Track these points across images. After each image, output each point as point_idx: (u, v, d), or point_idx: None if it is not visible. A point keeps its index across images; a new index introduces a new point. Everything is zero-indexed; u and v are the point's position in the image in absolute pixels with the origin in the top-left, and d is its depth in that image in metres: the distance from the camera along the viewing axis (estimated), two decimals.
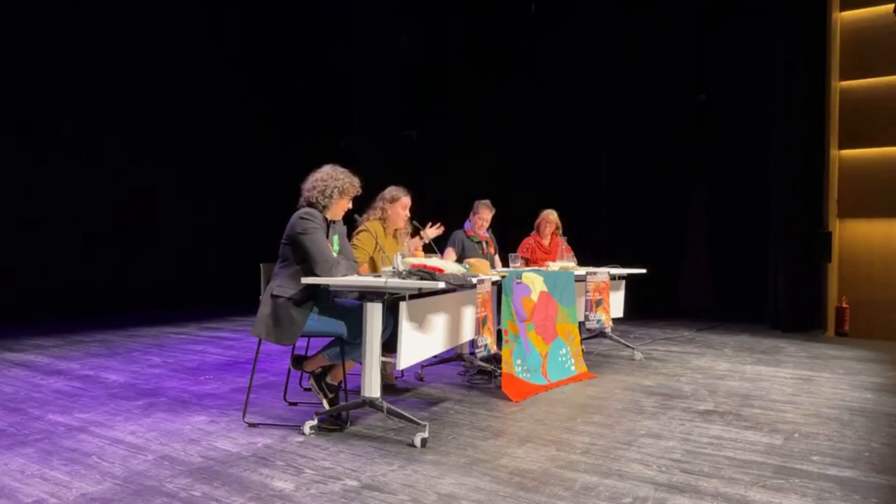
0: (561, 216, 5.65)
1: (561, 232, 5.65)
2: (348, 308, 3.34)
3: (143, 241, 9.08)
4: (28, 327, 6.95)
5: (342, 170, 3.42)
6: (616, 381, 4.44)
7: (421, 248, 4.22)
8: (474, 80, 9.64)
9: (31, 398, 3.87)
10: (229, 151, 10.12)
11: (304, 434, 3.14)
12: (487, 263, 4.23)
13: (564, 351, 4.53)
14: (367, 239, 4.03)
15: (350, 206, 3.49)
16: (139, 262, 9.04)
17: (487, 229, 5.27)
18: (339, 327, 3.29)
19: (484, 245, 5.19)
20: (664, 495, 2.42)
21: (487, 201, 5.20)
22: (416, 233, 4.31)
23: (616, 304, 5.51)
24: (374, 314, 3.06)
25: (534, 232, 5.66)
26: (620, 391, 4.15)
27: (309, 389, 3.68)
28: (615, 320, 5.44)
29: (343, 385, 3.55)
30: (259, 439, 3.07)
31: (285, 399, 3.81)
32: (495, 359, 4.33)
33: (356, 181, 3.45)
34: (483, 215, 5.14)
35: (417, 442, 2.97)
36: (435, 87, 10.11)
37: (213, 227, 9.97)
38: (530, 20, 9.33)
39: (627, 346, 5.52)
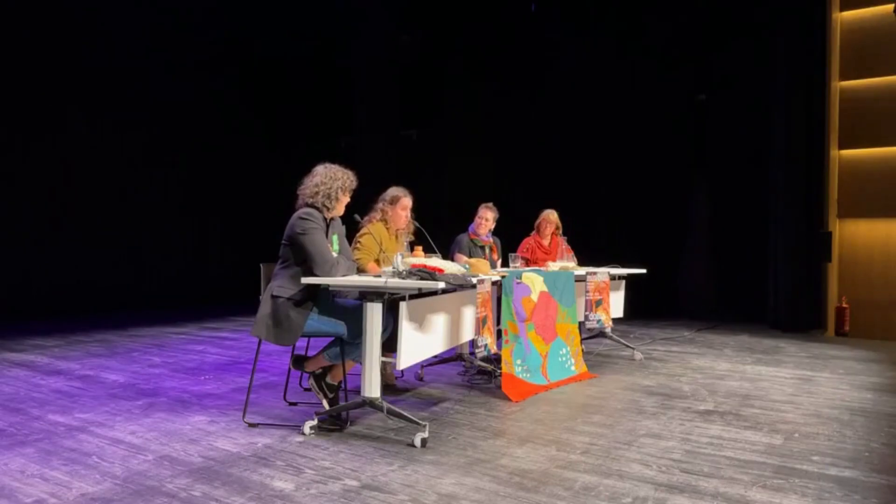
0: (561, 216, 5.65)
1: (561, 232, 5.65)
2: (348, 308, 3.34)
3: (143, 240, 9.08)
4: (28, 327, 6.95)
5: (334, 167, 3.43)
6: (616, 381, 4.44)
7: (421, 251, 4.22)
8: (474, 79, 9.64)
9: (31, 398, 3.87)
10: (230, 151, 10.13)
11: (304, 434, 3.14)
12: (487, 263, 4.23)
13: (564, 351, 4.53)
14: (371, 242, 4.02)
15: (349, 198, 3.50)
16: (140, 262, 9.04)
17: (493, 234, 5.27)
18: (339, 327, 3.29)
19: (487, 250, 5.19)
20: (664, 495, 2.42)
21: (489, 203, 5.21)
22: (417, 235, 4.30)
23: (616, 304, 5.51)
24: (374, 314, 3.06)
25: (534, 232, 5.66)
26: (620, 391, 4.15)
27: (309, 389, 3.68)
28: (615, 320, 5.44)
29: (343, 385, 3.55)
30: (259, 439, 3.07)
31: (285, 399, 3.81)
32: (495, 359, 4.33)
33: (351, 174, 3.46)
34: (482, 214, 5.15)
35: (417, 442, 2.97)
36: (435, 88, 10.11)
37: (213, 226, 9.98)
38: (530, 20, 9.33)
39: (627, 346, 5.52)
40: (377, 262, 4.00)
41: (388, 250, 3.96)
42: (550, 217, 5.58)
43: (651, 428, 3.29)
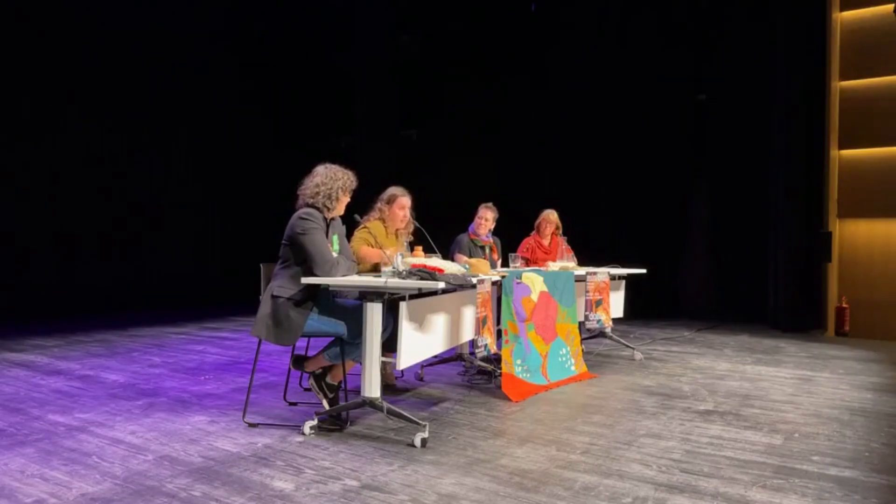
0: (561, 216, 5.65)
1: (561, 232, 5.65)
2: (348, 308, 3.34)
3: (143, 241, 9.09)
4: (28, 327, 6.95)
5: (335, 167, 3.43)
6: (616, 381, 4.44)
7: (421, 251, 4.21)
8: (474, 79, 9.65)
9: (31, 398, 3.87)
10: (230, 151, 10.14)
11: (304, 434, 3.14)
12: (487, 263, 4.23)
13: (564, 351, 4.53)
14: (366, 234, 4.03)
15: (349, 198, 3.50)
16: (140, 262, 9.05)
17: (493, 234, 5.27)
18: (339, 327, 3.29)
19: (487, 250, 5.19)
20: (664, 495, 2.42)
21: (489, 203, 5.21)
22: (417, 235, 4.30)
23: (616, 304, 5.51)
24: (374, 314, 3.06)
25: (534, 232, 5.66)
26: (620, 391, 4.15)
27: (309, 389, 3.68)
28: (615, 320, 5.44)
29: (343, 385, 3.55)
30: (259, 439, 3.07)
31: (285, 399, 3.81)
32: (495, 359, 4.33)
33: (352, 174, 3.47)
34: (482, 214, 5.15)
35: (417, 442, 2.97)
36: (435, 87, 10.12)
37: (213, 226, 9.98)
38: (530, 20, 9.33)
39: (627, 346, 5.52)
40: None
41: (385, 249, 3.95)
42: (550, 217, 5.58)
43: (651, 428, 3.29)
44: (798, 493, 2.45)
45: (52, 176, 8.12)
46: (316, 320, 3.27)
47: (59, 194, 8.18)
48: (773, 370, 4.88)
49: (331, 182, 3.35)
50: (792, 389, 4.21)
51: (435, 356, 3.86)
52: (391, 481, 2.54)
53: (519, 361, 4.08)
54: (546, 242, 5.60)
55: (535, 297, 4.32)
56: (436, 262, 3.21)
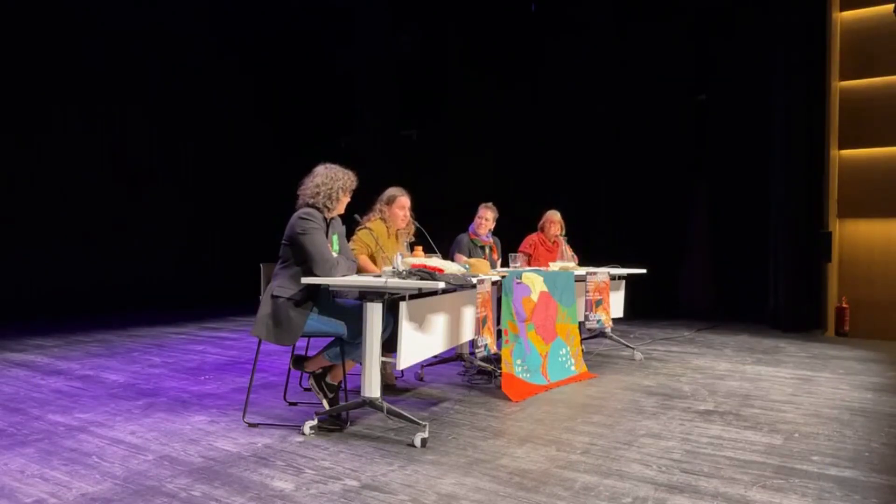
0: (561, 216, 5.66)
1: (563, 232, 5.65)
2: (348, 308, 3.34)
3: (143, 240, 9.08)
4: (28, 327, 6.95)
5: (335, 167, 3.43)
6: (616, 381, 4.44)
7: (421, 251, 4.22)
8: (474, 79, 9.65)
9: (31, 398, 3.87)
10: (229, 151, 10.13)
11: (304, 434, 3.14)
12: (487, 263, 4.23)
13: (564, 351, 4.53)
14: (367, 237, 4.04)
15: (349, 198, 3.50)
16: (139, 262, 9.04)
17: (492, 234, 5.27)
18: (339, 327, 3.29)
19: (487, 250, 5.19)
20: (664, 495, 2.42)
21: (489, 203, 5.22)
22: (417, 235, 4.31)
23: (616, 304, 5.51)
24: (374, 314, 3.06)
25: (538, 231, 5.68)
26: (620, 391, 4.15)
27: (309, 389, 3.68)
28: (615, 320, 5.44)
29: (343, 385, 3.55)
30: (259, 439, 3.07)
31: (285, 399, 3.81)
32: (495, 359, 4.33)
33: (352, 174, 3.47)
34: (482, 214, 5.15)
35: (417, 442, 2.97)
36: (435, 87, 10.11)
37: (213, 226, 9.97)
38: (530, 20, 9.33)
39: (627, 346, 5.52)
40: (372, 258, 4.00)
41: (387, 250, 3.96)
42: (554, 217, 5.61)
43: (651, 428, 3.29)
44: (798, 493, 2.45)
45: (52, 176, 8.11)
46: (316, 320, 3.27)
47: (58, 194, 8.17)
48: (773, 370, 4.88)
49: (331, 182, 3.35)
50: (792, 389, 4.21)
51: (435, 356, 3.86)
52: (391, 481, 2.54)
53: (519, 361, 4.08)
54: (550, 241, 5.62)
55: (535, 297, 4.32)
56: (436, 262, 3.21)
